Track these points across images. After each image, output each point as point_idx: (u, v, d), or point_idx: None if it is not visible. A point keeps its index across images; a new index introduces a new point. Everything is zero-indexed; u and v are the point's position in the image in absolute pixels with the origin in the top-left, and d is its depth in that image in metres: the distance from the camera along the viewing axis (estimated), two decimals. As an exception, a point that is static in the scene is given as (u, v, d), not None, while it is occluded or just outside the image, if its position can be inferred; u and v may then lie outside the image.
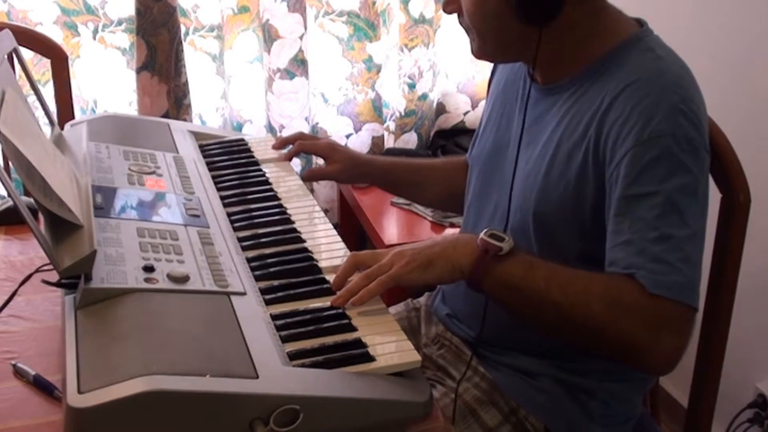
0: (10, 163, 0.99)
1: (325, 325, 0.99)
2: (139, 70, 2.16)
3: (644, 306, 0.97)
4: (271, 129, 2.38)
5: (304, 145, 1.47)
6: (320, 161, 1.50)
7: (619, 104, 1.05)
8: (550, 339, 1.13)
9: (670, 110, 1.02)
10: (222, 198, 1.29)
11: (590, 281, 1.01)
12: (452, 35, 2.49)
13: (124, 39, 2.21)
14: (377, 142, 2.51)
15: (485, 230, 1.05)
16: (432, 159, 1.57)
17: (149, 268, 1.00)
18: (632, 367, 1.09)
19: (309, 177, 1.53)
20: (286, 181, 1.38)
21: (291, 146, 1.48)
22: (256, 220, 1.23)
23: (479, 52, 1.18)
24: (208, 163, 1.41)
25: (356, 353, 0.95)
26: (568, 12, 1.07)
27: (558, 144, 1.12)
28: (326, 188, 2.48)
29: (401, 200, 2.24)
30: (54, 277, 0.98)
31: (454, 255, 1.04)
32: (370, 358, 0.94)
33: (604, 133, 1.06)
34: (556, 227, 1.13)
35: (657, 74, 1.06)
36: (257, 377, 0.86)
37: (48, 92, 1.81)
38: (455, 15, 1.17)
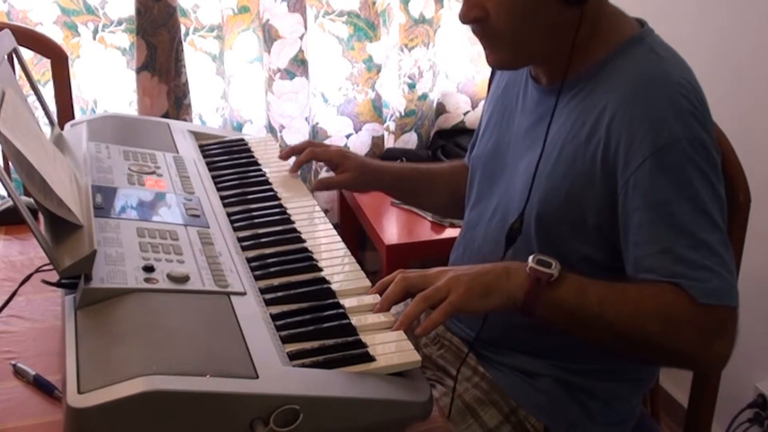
0: (10, 163, 0.99)
1: (325, 325, 0.99)
2: (139, 70, 2.16)
3: (696, 317, 1.00)
4: (271, 129, 2.38)
5: (315, 152, 1.43)
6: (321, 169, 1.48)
7: (627, 109, 1.05)
8: (557, 341, 1.13)
9: (682, 114, 1.03)
10: (222, 198, 1.29)
11: (640, 297, 1.03)
12: (452, 35, 2.49)
13: (124, 39, 2.21)
14: (377, 142, 2.51)
15: (532, 256, 1.03)
16: (439, 164, 1.54)
17: (149, 268, 1.00)
18: (688, 369, 1.16)
19: (320, 187, 1.49)
20: (286, 181, 1.38)
21: (295, 157, 1.44)
22: (256, 220, 1.23)
23: (499, 62, 1.16)
24: (208, 163, 1.41)
25: (356, 353, 0.95)
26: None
27: (562, 145, 1.12)
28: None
29: (401, 200, 2.24)
30: (54, 277, 0.98)
31: (508, 285, 1.03)
32: (370, 358, 0.94)
33: (614, 138, 1.05)
34: (558, 229, 1.13)
35: (660, 76, 1.06)
36: (257, 377, 0.86)
37: (48, 92, 1.81)
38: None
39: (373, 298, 1.05)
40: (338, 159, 1.42)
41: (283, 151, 1.45)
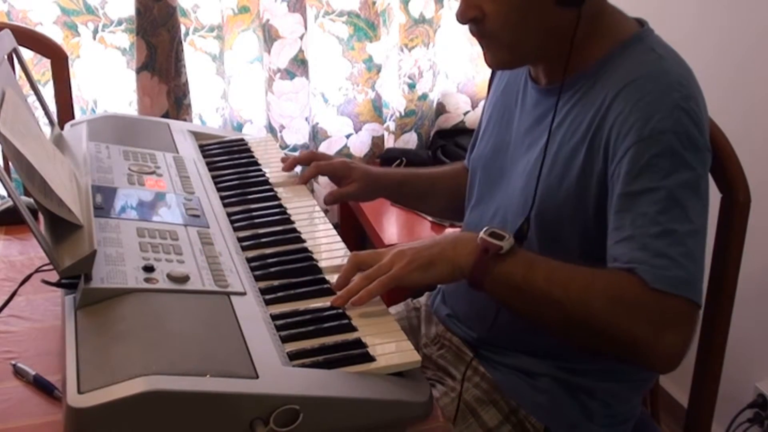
0: (10, 163, 0.99)
1: (325, 325, 0.99)
2: (139, 70, 2.16)
3: (646, 301, 0.97)
4: (271, 129, 2.38)
5: (320, 166, 1.41)
6: (322, 181, 1.46)
7: (619, 102, 1.05)
8: (554, 338, 1.13)
9: (672, 107, 1.02)
10: (222, 198, 1.29)
11: (591, 278, 1.00)
12: (452, 35, 2.49)
13: (124, 39, 2.21)
14: (377, 142, 2.51)
15: (485, 229, 1.04)
16: (439, 168, 1.53)
17: (149, 268, 1.00)
18: (636, 364, 1.08)
19: (331, 201, 1.47)
20: (286, 181, 1.38)
21: (300, 168, 1.42)
22: (256, 220, 1.23)
23: (496, 62, 1.16)
24: (208, 163, 1.41)
25: (356, 353, 0.95)
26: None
27: (560, 144, 1.12)
28: (326, 188, 2.48)
29: (401, 200, 2.24)
30: (54, 277, 0.98)
31: (454, 255, 1.04)
32: (370, 358, 0.94)
33: (606, 130, 1.06)
34: (559, 227, 1.13)
35: (658, 73, 1.06)
36: (257, 377, 0.86)
37: (48, 92, 1.81)
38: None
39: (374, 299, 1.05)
40: (343, 171, 1.41)
41: (286, 163, 1.42)
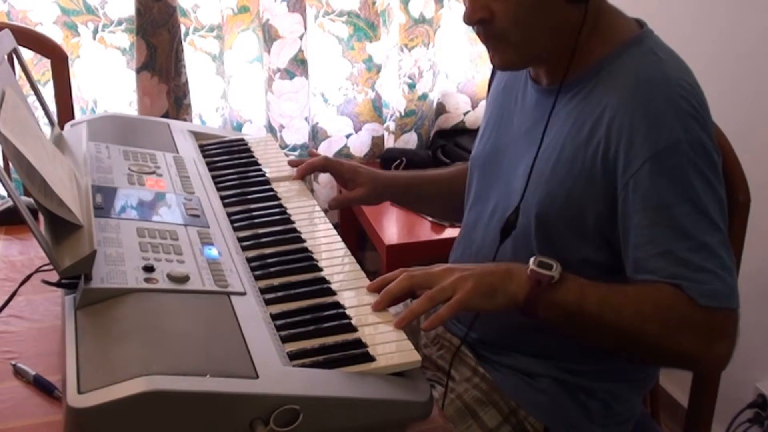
0: (10, 163, 0.99)
1: (326, 325, 0.99)
2: (139, 70, 2.16)
3: (696, 319, 1.01)
4: (271, 129, 2.38)
5: (330, 162, 1.42)
6: (322, 181, 1.46)
7: (627, 111, 1.05)
8: (557, 341, 1.14)
9: (681, 116, 1.03)
10: (222, 198, 1.29)
11: (640, 298, 1.03)
12: (452, 35, 2.49)
13: (124, 39, 2.21)
14: (377, 142, 2.51)
15: (533, 258, 1.04)
16: (443, 169, 1.52)
17: (149, 268, 1.00)
18: (687, 370, 1.17)
19: (336, 205, 1.47)
20: (286, 181, 1.38)
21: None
22: (256, 220, 1.23)
23: (504, 62, 1.15)
24: (208, 163, 1.41)
25: (356, 353, 0.95)
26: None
27: (562, 147, 1.12)
28: (326, 188, 2.48)
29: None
30: (54, 277, 0.98)
31: (510, 287, 1.03)
32: (370, 358, 0.94)
33: (614, 140, 1.06)
34: (559, 230, 1.13)
35: (660, 77, 1.06)
36: (257, 377, 0.86)
37: (48, 92, 1.81)
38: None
39: (373, 298, 1.05)
40: (350, 174, 1.41)
41: (299, 170, 1.40)
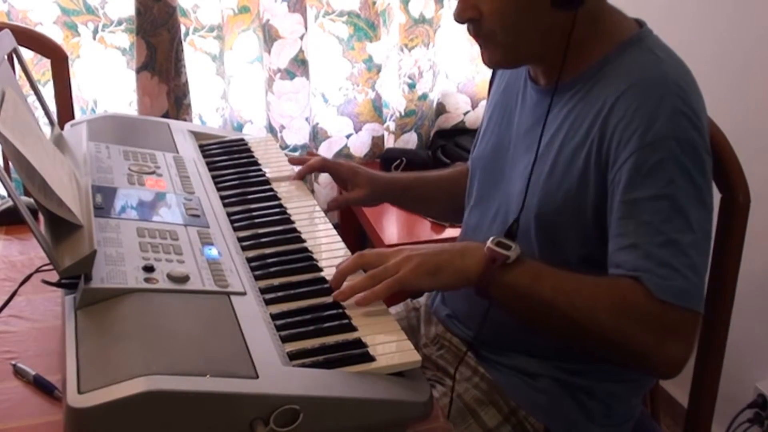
0: (10, 163, 0.99)
1: (326, 324, 0.99)
2: (139, 70, 2.16)
3: (650, 311, 0.98)
4: (271, 129, 2.38)
5: (328, 162, 1.43)
6: (322, 181, 1.46)
7: (620, 107, 1.05)
8: (558, 342, 1.13)
9: (672, 113, 1.02)
10: (222, 198, 1.29)
11: (597, 288, 1.01)
12: (452, 35, 2.49)
13: (124, 39, 2.21)
14: (377, 142, 2.51)
15: (492, 238, 1.04)
16: (442, 171, 1.52)
17: (149, 268, 1.00)
18: (638, 371, 1.11)
19: (334, 206, 1.47)
20: (284, 177, 1.38)
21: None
22: (256, 220, 1.23)
23: (494, 61, 1.16)
24: (208, 163, 1.41)
25: (356, 353, 0.95)
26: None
27: (560, 146, 1.12)
28: (326, 188, 2.48)
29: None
30: (54, 277, 0.98)
31: (461, 263, 1.04)
32: (370, 358, 0.94)
33: (607, 136, 1.06)
34: (558, 230, 1.13)
35: (658, 76, 1.06)
36: (257, 377, 0.86)
37: (48, 92, 1.81)
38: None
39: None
40: (348, 175, 1.41)
41: (297, 172, 1.41)
